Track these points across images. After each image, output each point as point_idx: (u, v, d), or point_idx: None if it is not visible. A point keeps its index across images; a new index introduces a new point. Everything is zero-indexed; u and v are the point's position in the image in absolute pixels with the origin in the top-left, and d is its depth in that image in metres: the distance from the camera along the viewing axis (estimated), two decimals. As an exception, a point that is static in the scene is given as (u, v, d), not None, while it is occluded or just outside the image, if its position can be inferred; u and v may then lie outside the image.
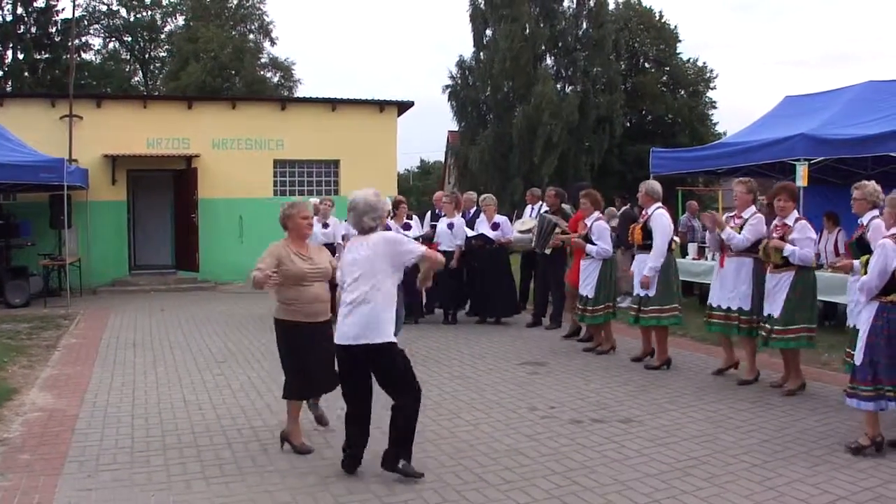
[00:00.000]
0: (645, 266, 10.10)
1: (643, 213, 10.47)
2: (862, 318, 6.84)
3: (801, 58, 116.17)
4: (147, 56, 54.98)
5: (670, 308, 10.13)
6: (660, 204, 10.31)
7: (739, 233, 9.18)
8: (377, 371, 6.11)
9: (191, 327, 13.88)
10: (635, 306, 10.33)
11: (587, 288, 11.07)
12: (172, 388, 9.24)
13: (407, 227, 12.57)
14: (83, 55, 47.43)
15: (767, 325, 8.82)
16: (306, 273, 6.76)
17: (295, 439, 6.92)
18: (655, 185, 10.51)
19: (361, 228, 6.20)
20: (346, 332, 6.02)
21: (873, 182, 8.18)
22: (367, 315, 5.97)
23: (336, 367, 6.41)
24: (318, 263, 6.90)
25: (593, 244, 10.94)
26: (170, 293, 19.86)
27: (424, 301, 13.87)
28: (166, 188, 22.00)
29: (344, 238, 13.85)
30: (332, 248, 13.81)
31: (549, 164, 40.85)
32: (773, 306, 8.75)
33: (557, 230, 12.53)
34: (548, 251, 12.85)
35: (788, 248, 8.46)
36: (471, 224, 13.97)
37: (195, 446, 6.98)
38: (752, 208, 9.40)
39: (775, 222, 8.82)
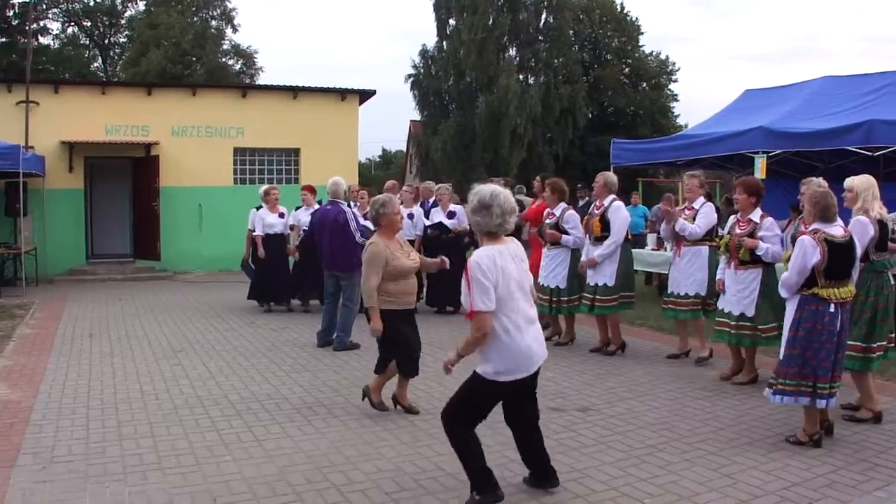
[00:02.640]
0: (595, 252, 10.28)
1: (598, 204, 10.51)
2: (787, 312, 6.89)
3: (760, 52, 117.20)
4: (106, 41, 54.34)
5: (626, 295, 10.43)
6: (615, 196, 10.41)
7: (692, 223, 9.40)
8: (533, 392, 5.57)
9: (148, 317, 13.77)
10: (591, 295, 10.39)
11: (557, 279, 10.82)
12: (129, 378, 9.16)
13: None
14: (41, 39, 46.92)
15: (731, 322, 8.87)
16: (411, 268, 7.59)
17: (374, 396, 7.71)
18: (613, 178, 10.60)
19: (504, 230, 5.19)
20: (540, 352, 5.32)
21: (820, 179, 8.28)
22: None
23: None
24: (413, 257, 7.73)
25: (566, 234, 10.83)
26: (127, 282, 19.70)
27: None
28: (125, 176, 21.75)
29: (292, 228, 13.97)
30: (283, 237, 13.93)
31: (517, 156, 40.99)
32: (743, 305, 8.76)
33: None
34: None
35: (762, 247, 8.50)
36: (427, 214, 14.01)
37: (151, 437, 6.93)
38: (702, 199, 9.68)
39: (737, 217, 8.89)
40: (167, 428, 7.19)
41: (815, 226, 6.68)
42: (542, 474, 5.68)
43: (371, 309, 7.42)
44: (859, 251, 6.98)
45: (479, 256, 5.01)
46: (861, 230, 7.21)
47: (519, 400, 5.47)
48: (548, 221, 10.92)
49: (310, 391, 8.51)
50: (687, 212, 9.76)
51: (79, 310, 14.57)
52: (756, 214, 8.70)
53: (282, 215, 14.13)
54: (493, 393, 5.24)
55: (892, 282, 7.72)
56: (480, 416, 5.36)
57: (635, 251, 12.40)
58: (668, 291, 10.09)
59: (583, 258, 10.68)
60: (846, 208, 7.56)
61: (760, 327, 8.68)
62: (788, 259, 6.82)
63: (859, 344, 7.35)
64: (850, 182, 7.54)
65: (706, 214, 9.64)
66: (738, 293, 8.76)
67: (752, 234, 8.60)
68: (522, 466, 5.78)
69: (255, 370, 9.57)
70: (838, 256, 6.52)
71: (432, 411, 7.46)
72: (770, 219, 8.68)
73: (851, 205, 7.45)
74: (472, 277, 4.93)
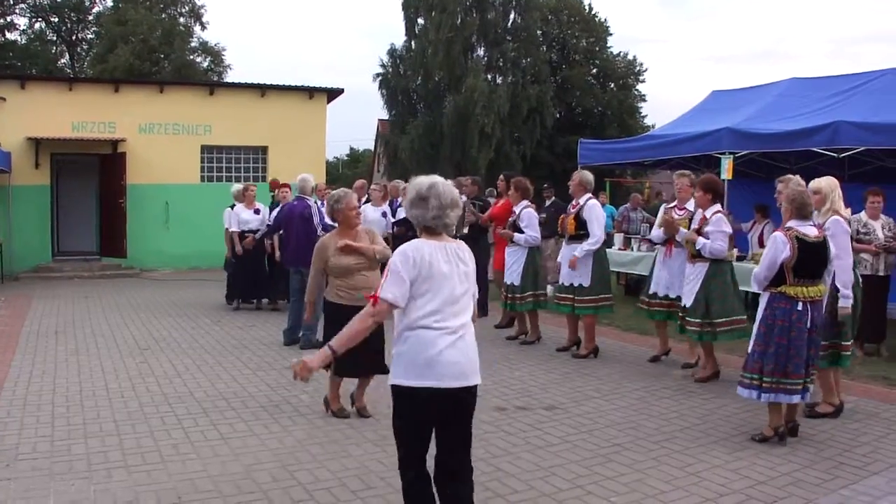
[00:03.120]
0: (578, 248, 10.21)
1: (574, 202, 10.53)
2: (758, 308, 7.04)
3: (727, 54, 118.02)
4: (74, 37, 53.84)
5: (604, 297, 10.34)
6: (591, 194, 10.42)
7: (687, 226, 9.30)
8: (467, 420, 4.71)
9: (114, 314, 13.68)
10: (570, 295, 10.37)
11: (513, 275, 11.04)
12: (95, 376, 9.10)
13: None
14: (7, 35, 46.44)
15: (680, 314, 9.19)
16: (350, 266, 7.40)
17: (333, 405, 7.60)
18: (588, 176, 10.56)
19: (443, 225, 4.59)
20: (460, 366, 4.53)
21: (797, 177, 8.35)
22: (473, 346, 4.66)
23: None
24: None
25: (521, 232, 10.92)
26: (94, 280, 19.54)
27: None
28: (91, 173, 21.63)
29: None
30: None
31: (485, 156, 41.01)
32: (688, 297, 9.03)
33: (469, 207, 12.64)
34: (465, 230, 12.95)
35: (700, 242, 8.74)
36: (395, 212, 14.04)
37: (117, 435, 6.89)
38: (715, 208, 9.58)
39: (698, 214, 9.06)
40: (132, 426, 7.16)
41: (789, 223, 6.80)
42: None
43: (307, 303, 7.78)
44: (843, 249, 7.14)
45: (408, 246, 4.53)
46: (841, 229, 7.34)
47: (443, 425, 4.63)
48: (510, 220, 11.02)
49: (276, 389, 8.50)
50: (677, 212, 9.70)
51: (44, 307, 14.45)
52: (710, 210, 8.85)
53: (257, 212, 14.08)
54: (412, 404, 4.55)
55: (859, 279, 7.85)
56: (417, 449, 4.65)
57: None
58: (651, 292, 9.99)
59: (559, 258, 10.75)
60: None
61: (688, 318, 9.00)
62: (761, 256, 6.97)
63: (826, 342, 7.44)
64: (816, 184, 7.64)
65: (719, 226, 8.84)
66: (688, 284, 9.05)
67: (700, 229, 8.85)
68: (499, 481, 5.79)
69: (221, 368, 9.54)
70: (808, 255, 6.64)
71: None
72: (718, 215, 8.84)
73: (819, 206, 7.53)
74: (391, 265, 4.52)
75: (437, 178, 4.64)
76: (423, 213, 4.55)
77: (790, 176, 8.18)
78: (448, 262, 4.54)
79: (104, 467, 6.07)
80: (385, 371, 6.45)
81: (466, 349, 4.56)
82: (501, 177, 12.41)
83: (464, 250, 4.68)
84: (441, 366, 4.45)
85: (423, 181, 4.62)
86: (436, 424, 4.61)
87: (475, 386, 4.62)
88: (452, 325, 4.52)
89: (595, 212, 10.24)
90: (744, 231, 13.99)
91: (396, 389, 4.58)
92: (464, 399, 4.59)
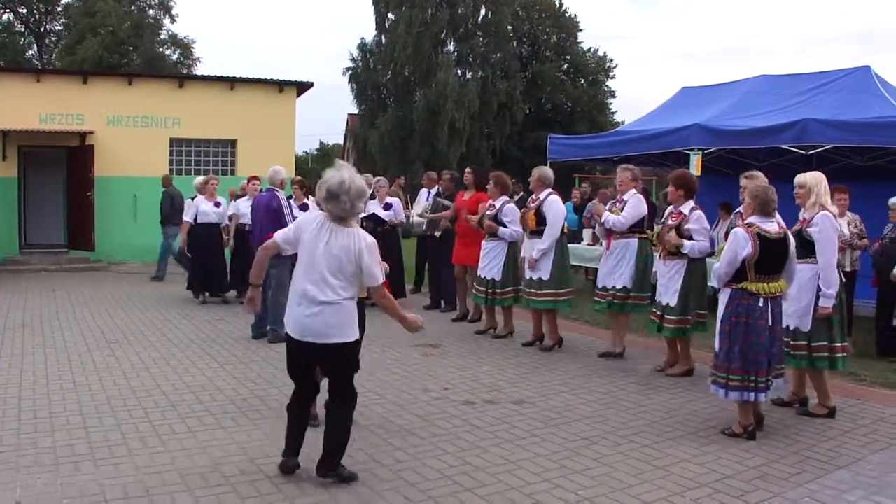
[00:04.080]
0: (535, 249, 10.29)
1: (534, 198, 10.58)
2: (719, 306, 7.06)
3: (697, 51, 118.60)
4: (42, 29, 53.41)
5: (566, 292, 10.37)
6: (551, 190, 10.46)
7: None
8: (335, 368, 5.67)
9: (82, 308, 13.57)
10: (530, 289, 10.42)
11: (493, 271, 10.96)
12: (62, 369, 9.03)
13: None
14: (-26, 26, 45.98)
15: (659, 313, 9.10)
16: None
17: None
18: (547, 171, 10.66)
19: (351, 214, 5.53)
20: (304, 327, 5.50)
21: (761, 174, 8.39)
22: (337, 315, 5.49)
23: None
24: None
25: (504, 227, 10.91)
26: (61, 273, 19.35)
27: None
28: (59, 165, 21.40)
29: (231, 218, 13.83)
30: (219, 227, 13.83)
31: (455, 150, 41.09)
32: (667, 295, 8.98)
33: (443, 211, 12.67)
34: (437, 233, 12.96)
35: (687, 246, 8.71)
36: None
37: (84, 428, 6.83)
38: (633, 191, 9.70)
39: (671, 209, 9.10)
40: (100, 419, 7.11)
41: (751, 219, 6.83)
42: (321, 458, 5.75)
43: None
44: (830, 245, 7.19)
45: (306, 214, 5.91)
46: (829, 224, 7.32)
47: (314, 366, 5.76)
48: (488, 213, 11.01)
49: (244, 383, 8.47)
50: (618, 205, 9.82)
51: (11, 300, 14.31)
52: (686, 207, 8.92)
53: (218, 204, 14.04)
54: (286, 347, 5.74)
55: (843, 279, 7.81)
56: (293, 378, 5.86)
57: (571, 246, 12.42)
58: (597, 284, 10.15)
59: (522, 252, 10.76)
60: (796, 206, 7.68)
61: (667, 316, 9.00)
62: (721, 252, 6.98)
63: (803, 343, 7.45)
64: (801, 178, 7.58)
65: (633, 205, 9.63)
66: (665, 284, 9.03)
67: (679, 226, 8.81)
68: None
69: (189, 361, 9.50)
70: (769, 251, 6.68)
71: (366, 403, 7.48)
72: (698, 212, 8.88)
73: (804, 201, 7.52)
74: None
75: (344, 174, 5.46)
76: (338, 207, 5.45)
77: (755, 172, 8.23)
78: (321, 237, 5.49)
79: (71, 461, 6.02)
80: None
81: (324, 315, 5.43)
82: (468, 170, 12.46)
83: (357, 239, 5.53)
84: (297, 322, 5.53)
85: (333, 179, 5.45)
86: (304, 366, 5.71)
87: (335, 344, 5.48)
88: (316, 294, 5.44)
89: (555, 207, 10.30)
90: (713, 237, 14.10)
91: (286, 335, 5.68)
92: (320, 352, 5.54)
